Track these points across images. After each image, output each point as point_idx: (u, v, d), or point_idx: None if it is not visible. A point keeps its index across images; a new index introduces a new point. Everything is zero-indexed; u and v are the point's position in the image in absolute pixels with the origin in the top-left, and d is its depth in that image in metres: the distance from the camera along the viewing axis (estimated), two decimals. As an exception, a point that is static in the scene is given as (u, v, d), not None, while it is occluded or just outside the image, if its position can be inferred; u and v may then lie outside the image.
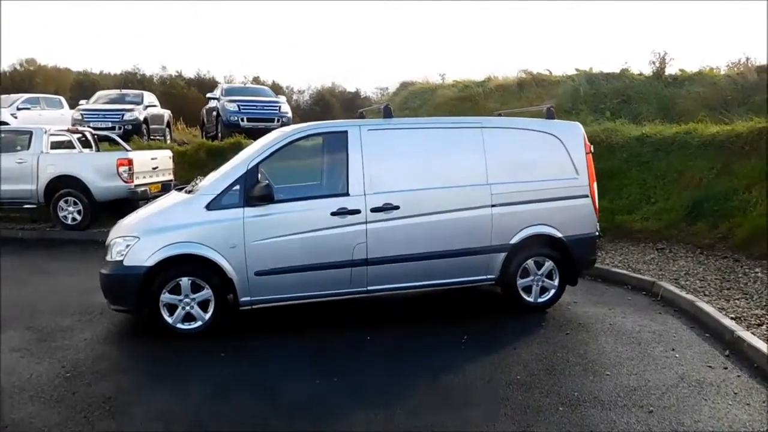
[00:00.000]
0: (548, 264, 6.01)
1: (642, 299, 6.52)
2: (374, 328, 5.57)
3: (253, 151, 5.64)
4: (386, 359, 4.85)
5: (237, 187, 5.37)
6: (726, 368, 4.54)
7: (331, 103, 36.74)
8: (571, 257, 6.05)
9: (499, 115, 6.78)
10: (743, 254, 7.91)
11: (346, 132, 5.65)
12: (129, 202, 10.64)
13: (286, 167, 5.67)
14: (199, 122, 18.92)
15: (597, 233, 6.22)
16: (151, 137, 16.32)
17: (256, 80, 31.63)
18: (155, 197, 11.33)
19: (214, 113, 16.59)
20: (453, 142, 5.90)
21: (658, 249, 8.60)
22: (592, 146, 6.24)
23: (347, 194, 5.53)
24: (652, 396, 4.07)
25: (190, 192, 5.65)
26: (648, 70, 14.68)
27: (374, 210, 5.52)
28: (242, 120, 15.18)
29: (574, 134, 6.13)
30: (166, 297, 5.28)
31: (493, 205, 5.80)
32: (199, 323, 5.35)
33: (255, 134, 14.45)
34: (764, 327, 5.19)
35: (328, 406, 4.03)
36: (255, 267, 5.36)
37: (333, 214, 5.46)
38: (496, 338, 5.29)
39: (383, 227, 5.55)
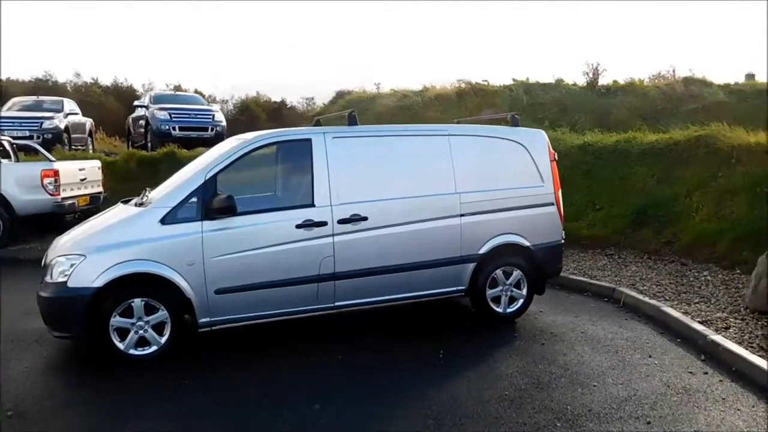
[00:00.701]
0: (516, 273, 5.91)
1: (605, 306, 6.54)
2: (343, 345, 5.26)
3: (210, 160, 5.24)
4: (364, 380, 4.56)
5: (194, 199, 4.96)
6: (706, 373, 4.55)
7: (257, 113, 35.90)
8: (538, 266, 5.98)
9: (458, 122, 6.66)
10: (689, 258, 8.14)
11: (310, 140, 5.35)
12: (55, 216, 9.89)
13: (245, 177, 5.31)
14: (125, 131, 17.94)
15: (562, 241, 6.19)
16: (73, 147, 15.33)
17: (177, 88, 30.43)
18: (84, 211, 10.62)
19: (142, 122, 15.80)
20: (420, 150, 5.71)
21: (608, 255, 8.74)
22: (555, 154, 6.21)
23: (312, 205, 5.23)
24: (644, 406, 4.00)
25: (140, 205, 5.18)
26: (582, 81, 15.11)
27: (341, 222, 5.25)
28: (174, 129, 14.48)
29: (538, 142, 6.08)
30: (116, 320, 4.79)
31: (462, 215, 5.65)
32: (154, 348, 4.89)
33: (188, 144, 13.96)
34: (732, 330, 5.27)
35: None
36: (215, 285, 4.96)
37: (298, 226, 5.15)
38: (472, 352, 5.11)
39: (351, 239, 5.28)
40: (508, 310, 5.92)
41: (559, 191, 6.09)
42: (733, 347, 4.73)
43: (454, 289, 5.75)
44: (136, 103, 16.45)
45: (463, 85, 15.46)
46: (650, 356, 4.92)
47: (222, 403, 4.16)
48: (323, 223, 5.20)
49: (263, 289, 5.09)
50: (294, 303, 5.24)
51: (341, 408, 4.05)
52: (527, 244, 5.88)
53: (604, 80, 14.86)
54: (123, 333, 4.82)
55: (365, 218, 5.31)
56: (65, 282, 4.70)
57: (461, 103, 14.98)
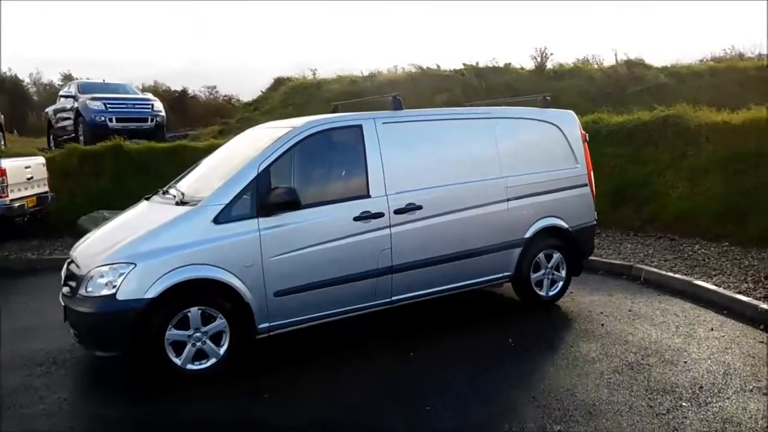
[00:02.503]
0: (556, 256, 5.89)
1: (628, 283, 6.66)
2: (404, 341, 5.02)
3: (256, 151, 4.79)
4: (464, 373, 4.33)
5: (248, 194, 4.53)
6: (779, 343, 4.71)
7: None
8: (576, 247, 5.99)
9: (473, 104, 6.51)
10: (675, 234, 8.49)
11: (360, 126, 5.03)
12: (5, 221, 8.87)
13: (296, 168, 4.88)
14: (45, 125, 16.40)
15: (595, 222, 6.23)
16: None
17: (67, 77, 28.10)
18: (34, 213, 9.59)
19: (67, 113, 14.52)
20: (466, 133, 5.54)
21: (596, 234, 8.93)
22: (587, 134, 6.23)
23: (368, 196, 4.93)
24: (748, 378, 4.06)
25: (183, 203, 4.66)
26: (530, 65, 15.42)
27: (397, 212, 4.98)
28: (111, 120, 13.40)
29: (571, 123, 6.07)
30: (172, 334, 4.29)
31: (508, 199, 5.53)
32: (213, 360, 4.43)
33: (129, 136, 12.93)
34: (772, 299, 5.51)
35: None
36: (274, 287, 4.56)
37: (356, 219, 4.83)
38: (540, 337, 5.04)
39: (407, 230, 5.03)
40: (550, 293, 5.90)
41: (591, 172, 6.11)
42: (792, 315, 4.94)
43: (501, 275, 5.65)
44: (61, 93, 15.05)
45: (414, 70, 15.35)
46: (712, 330, 5.04)
47: (324, 412, 3.82)
48: (380, 215, 4.91)
49: (322, 287, 4.74)
50: (352, 300, 4.93)
51: (448, 404, 3.83)
52: (566, 226, 5.87)
53: (551, 64, 15.27)
54: (178, 347, 4.33)
55: (420, 207, 5.07)
56: (113, 294, 4.14)
57: (414, 87, 14.86)
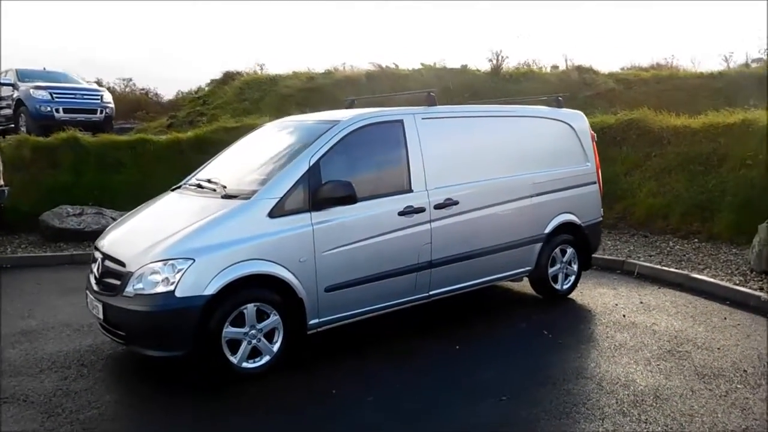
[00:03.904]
0: (570, 251, 6.12)
1: (624, 278, 7.00)
2: (442, 338, 5.08)
3: (302, 144, 4.70)
4: (517, 366, 4.44)
5: (300, 187, 4.44)
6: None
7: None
8: (587, 243, 6.24)
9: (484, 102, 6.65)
10: (647, 230, 9.00)
11: (402, 121, 5.04)
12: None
13: (343, 162, 4.81)
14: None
15: (602, 218, 6.51)
16: None
17: None
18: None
19: (4, 102, 13.56)
20: (495, 130, 5.67)
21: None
22: (595, 135, 6.50)
23: (411, 191, 4.95)
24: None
25: (230, 196, 4.50)
26: (486, 67, 15.79)
27: (437, 207, 5.03)
28: (57, 111, 12.61)
29: (582, 123, 6.32)
30: (229, 331, 4.15)
31: (532, 195, 5.70)
32: (267, 358, 4.32)
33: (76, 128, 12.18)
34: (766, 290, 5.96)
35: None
36: (325, 282, 4.50)
37: (400, 213, 4.84)
38: (574, 329, 5.23)
39: (445, 225, 5.09)
40: (564, 287, 6.12)
41: (599, 170, 6.38)
42: (796, 304, 5.38)
43: (523, 270, 5.81)
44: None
45: (373, 68, 15.36)
46: (725, 319, 5.40)
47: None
48: (422, 209, 4.95)
49: (369, 282, 4.73)
50: (394, 295, 4.94)
51: (519, 394, 3.92)
52: (579, 222, 6.11)
53: (506, 67, 15.70)
54: (233, 345, 4.19)
55: (456, 202, 5.14)
56: (172, 291, 3.96)
57: (372, 86, 14.88)
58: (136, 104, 20.36)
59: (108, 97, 13.77)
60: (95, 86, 14.26)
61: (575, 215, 6.07)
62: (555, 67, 15.54)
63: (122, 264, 4.23)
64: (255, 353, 4.28)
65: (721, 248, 7.85)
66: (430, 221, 4.99)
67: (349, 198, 4.46)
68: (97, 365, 4.60)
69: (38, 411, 3.85)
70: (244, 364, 4.23)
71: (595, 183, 6.30)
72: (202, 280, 4.01)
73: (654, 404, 3.79)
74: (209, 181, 4.94)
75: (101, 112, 13.28)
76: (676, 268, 6.94)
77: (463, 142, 5.38)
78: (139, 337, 4.13)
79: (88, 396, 4.05)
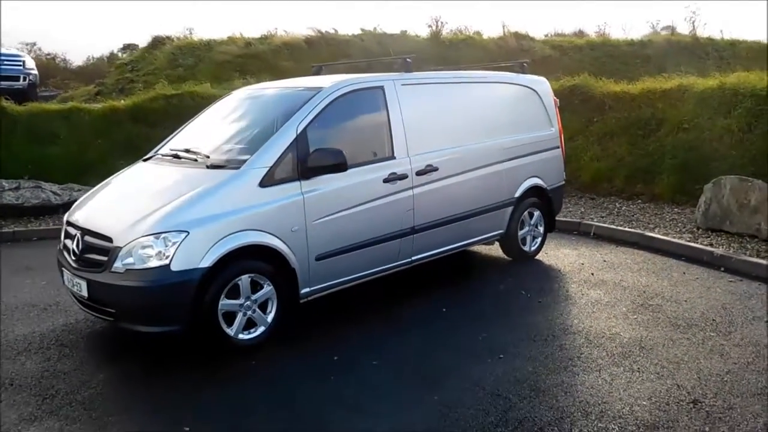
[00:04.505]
0: (537, 214, 6.33)
1: (582, 238, 7.32)
2: (420, 301, 5.18)
3: (286, 111, 4.60)
4: (502, 325, 4.59)
5: (288, 156, 4.36)
6: (741, 281, 5.50)
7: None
8: (551, 206, 6.47)
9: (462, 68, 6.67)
10: (593, 193, 9.41)
11: (382, 87, 5.01)
12: None
13: (327, 129, 4.73)
14: None
15: (564, 181, 6.75)
16: None
17: None
18: None
19: None
20: (469, 96, 5.73)
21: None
22: (558, 100, 6.68)
23: (393, 158, 4.96)
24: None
25: (216, 166, 4.37)
26: (425, 33, 15.79)
27: (419, 173, 5.08)
28: (-25, 78, 11.67)
29: (546, 88, 6.48)
30: (225, 303, 4.07)
31: (503, 161, 5.83)
32: (262, 329, 4.28)
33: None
34: (719, 246, 6.38)
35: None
36: (316, 251, 4.48)
37: (385, 180, 4.86)
38: (549, 288, 5.44)
39: (426, 191, 5.15)
40: (532, 249, 6.34)
41: (562, 135, 6.59)
42: (746, 258, 5.81)
43: (496, 233, 5.97)
44: None
45: (312, 34, 15.01)
46: (684, 273, 5.75)
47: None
48: (405, 176, 4.98)
49: (356, 250, 4.75)
50: (379, 262, 4.99)
51: (512, 350, 4.09)
52: (545, 185, 6.31)
53: (445, 33, 15.76)
54: (228, 317, 4.13)
55: (436, 169, 5.20)
56: (167, 265, 3.84)
57: (312, 51, 14.58)
58: (43, 71, 19.05)
59: (31, 63, 12.85)
60: (17, 52, 13.26)
61: (541, 179, 6.27)
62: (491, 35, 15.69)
63: (108, 239, 4.03)
64: (250, 324, 4.23)
65: (664, 208, 8.33)
66: (412, 187, 5.03)
67: (340, 166, 4.43)
68: (78, 345, 4.42)
69: (30, 394, 3.67)
70: (240, 336, 4.17)
71: (558, 148, 6.51)
72: (197, 253, 3.91)
73: (641, 354, 4.04)
74: (187, 150, 4.76)
75: (24, 79, 12.39)
76: (629, 228, 7.32)
77: (440, 108, 5.43)
78: (131, 314, 3.99)
79: (79, 376, 3.90)
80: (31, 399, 3.61)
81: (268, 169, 4.25)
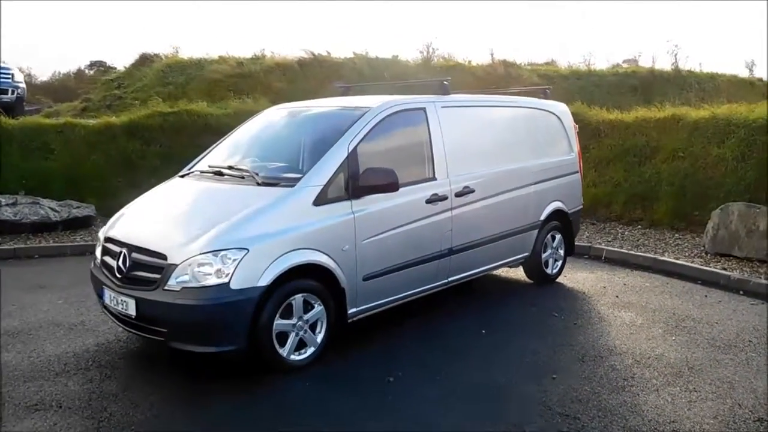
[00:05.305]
0: (558, 237, 6.42)
1: (594, 262, 7.44)
2: (458, 322, 5.18)
3: (334, 130, 4.59)
4: (542, 344, 4.62)
5: (340, 175, 4.35)
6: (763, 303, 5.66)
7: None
8: (571, 229, 6.58)
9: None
10: (593, 218, 9.56)
11: (424, 108, 5.06)
12: None
13: (373, 148, 4.72)
14: None
15: (582, 205, 6.87)
16: None
17: None
18: None
19: None
20: (501, 120, 5.82)
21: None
22: (577, 126, 6.83)
23: (434, 179, 4.99)
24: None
25: (267, 184, 4.32)
26: (416, 58, 15.98)
27: (457, 195, 5.12)
28: (-37, 91, 11.34)
29: (567, 114, 6.63)
30: (279, 323, 4.00)
31: (531, 184, 5.92)
32: (312, 349, 4.22)
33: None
34: (732, 270, 6.56)
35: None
36: (364, 271, 4.47)
37: (427, 201, 4.88)
38: (579, 310, 5.49)
39: (463, 212, 5.19)
40: (553, 271, 6.41)
41: (581, 160, 6.73)
42: (764, 281, 5.98)
43: (522, 255, 6.03)
44: None
45: (305, 55, 15.04)
46: (706, 296, 5.90)
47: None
48: (445, 197, 5.01)
49: (400, 270, 4.74)
50: (420, 282, 4.99)
51: (560, 372, 4.12)
52: (566, 209, 6.42)
53: (436, 60, 15.98)
54: (281, 337, 4.06)
55: (473, 190, 5.25)
56: (226, 283, 3.76)
57: (306, 73, 14.58)
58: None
59: (19, 77, 12.58)
60: (7, 64, 12.92)
61: (563, 203, 6.37)
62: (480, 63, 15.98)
63: (161, 256, 3.93)
64: (300, 345, 4.16)
65: (665, 233, 8.54)
66: (451, 209, 5.06)
67: (392, 185, 4.42)
68: (117, 365, 4.27)
69: (82, 417, 3.53)
70: (292, 357, 4.10)
71: (577, 172, 6.64)
72: (256, 271, 3.85)
73: (692, 375, 4.11)
74: (230, 167, 4.70)
75: (13, 93, 12.10)
76: (640, 252, 7.47)
77: (475, 131, 5.49)
78: (185, 333, 3.88)
79: (129, 398, 3.76)
80: (86, 422, 3.47)
81: (322, 187, 4.23)
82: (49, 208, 8.51)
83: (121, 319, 4.18)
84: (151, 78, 14.92)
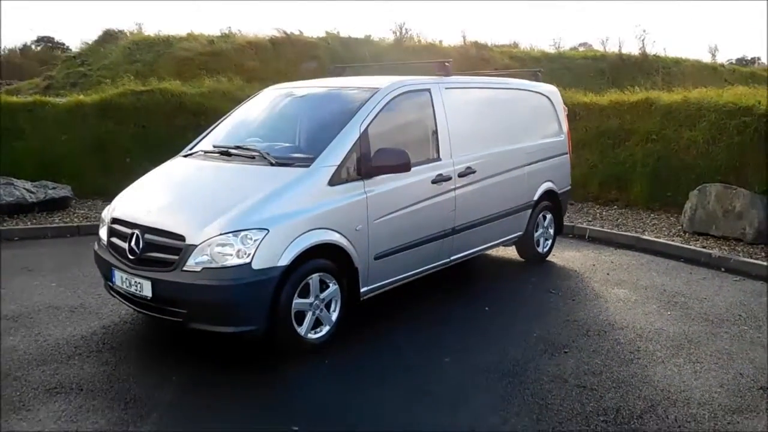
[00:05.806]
0: (549, 217, 6.58)
1: (579, 241, 7.63)
2: (459, 301, 5.30)
3: (342, 111, 4.61)
4: (544, 323, 4.76)
5: (353, 155, 4.37)
6: (744, 279, 5.95)
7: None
8: (561, 209, 6.75)
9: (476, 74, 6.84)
10: (570, 199, 9.79)
11: (429, 90, 5.10)
12: None
13: (382, 129, 4.73)
14: None
15: (570, 186, 7.04)
16: None
17: None
18: None
19: None
20: (498, 101, 5.90)
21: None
22: (566, 108, 6.97)
23: (439, 159, 5.06)
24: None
25: (279, 163, 4.31)
26: (390, 38, 15.94)
27: (460, 175, 5.20)
28: None
29: (557, 96, 6.75)
30: (297, 302, 4.03)
31: (525, 165, 6.04)
32: (327, 328, 4.26)
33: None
34: (713, 248, 6.85)
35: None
36: (375, 250, 4.52)
37: (433, 182, 4.95)
38: (574, 287, 5.66)
39: (465, 192, 5.28)
40: (544, 250, 6.58)
41: (570, 141, 6.88)
42: (744, 259, 6.28)
43: (516, 234, 6.16)
44: None
45: (277, 34, 14.79)
46: (691, 273, 6.14)
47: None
48: (449, 178, 5.09)
49: (408, 249, 4.81)
50: (425, 261, 5.08)
51: (568, 345, 4.28)
52: (556, 189, 6.57)
53: (408, 40, 15.96)
54: (298, 316, 4.09)
55: (474, 171, 5.33)
56: (248, 263, 3.76)
57: (278, 52, 14.37)
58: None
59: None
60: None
61: (554, 183, 6.52)
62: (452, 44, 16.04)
63: (179, 237, 3.89)
64: (316, 324, 4.20)
65: (641, 213, 8.83)
66: (455, 189, 5.14)
67: (404, 166, 4.46)
68: (129, 347, 4.24)
69: (107, 399, 3.50)
70: (309, 335, 4.14)
71: (566, 153, 6.79)
72: (276, 251, 3.85)
73: (693, 347, 4.31)
74: (238, 147, 4.66)
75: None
76: (619, 231, 7.72)
77: (475, 112, 5.56)
78: (206, 314, 3.86)
79: (150, 379, 3.74)
80: (113, 404, 3.44)
81: (336, 167, 4.24)
82: (24, 189, 8.24)
83: (134, 300, 4.13)
84: (117, 55, 14.50)
